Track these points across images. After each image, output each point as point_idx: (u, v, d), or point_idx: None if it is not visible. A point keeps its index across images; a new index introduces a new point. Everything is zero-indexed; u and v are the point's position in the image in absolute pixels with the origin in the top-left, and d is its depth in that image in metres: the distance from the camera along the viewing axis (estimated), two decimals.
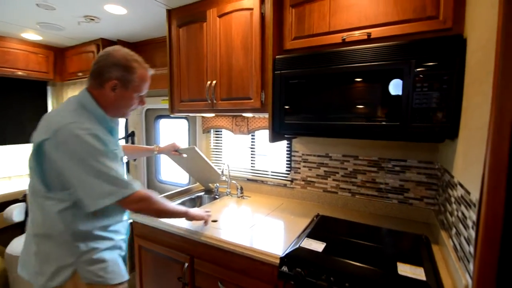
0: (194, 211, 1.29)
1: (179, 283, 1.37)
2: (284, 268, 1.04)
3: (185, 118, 2.32)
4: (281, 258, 1.06)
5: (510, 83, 0.70)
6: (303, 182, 1.79)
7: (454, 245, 0.98)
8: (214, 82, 1.58)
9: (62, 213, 0.94)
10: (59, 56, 2.63)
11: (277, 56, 1.37)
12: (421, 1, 1.09)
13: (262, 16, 1.41)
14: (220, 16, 1.53)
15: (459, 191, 0.96)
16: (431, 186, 1.43)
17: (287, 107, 1.34)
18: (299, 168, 1.80)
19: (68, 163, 0.90)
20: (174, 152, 1.62)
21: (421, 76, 1.05)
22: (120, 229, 1.09)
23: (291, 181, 1.83)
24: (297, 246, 1.09)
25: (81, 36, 2.32)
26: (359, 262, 0.99)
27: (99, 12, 1.79)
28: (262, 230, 1.34)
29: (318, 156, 1.72)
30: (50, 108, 3.02)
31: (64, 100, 2.81)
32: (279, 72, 1.35)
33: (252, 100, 1.47)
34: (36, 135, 0.94)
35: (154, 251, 1.50)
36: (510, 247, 0.72)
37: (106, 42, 2.36)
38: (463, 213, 0.89)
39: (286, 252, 1.07)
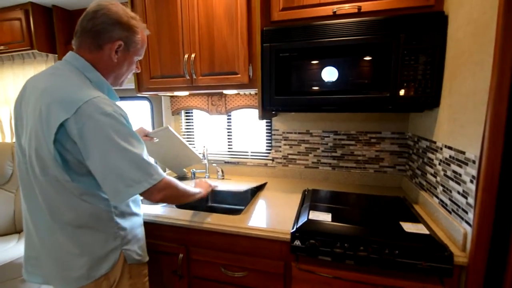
0: (205, 187, 1.20)
1: (174, 277, 1.25)
2: (297, 242, 1.03)
3: (147, 98, 2.08)
4: (292, 233, 1.05)
5: (507, 54, 0.79)
6: (284, 160, 1.80)
7: (441, 201, 1.10)
8: (193, 55, 1.42)
9: (93, 194, 0.86)
10: None
11: (265, 28, 1.30)
12: None
13: None
14: None
15: (446, 153, 1.07)
16: (402, 154, 1.58)
17: (277, 81, 1.30)
18: (280, 147, 1.79)
19: (94, 145, 0.77)
20: (144, 137, 1.41)
21: (409, 50, 1.12)
22: (139, 202, 1.05)
23: (272, 160, 1.82)
24: (306, 219, 1.09)
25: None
26: (366, 226, 1.05)
27: None
28: (258, 209, 1.30)
29: (299, 133, 1.74)
30: None
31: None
32: (268, 44, 1.29)
33: (239, 75, 1.38)
34: (46, 115, 0.77)
35: None
36: (506, 195, 0.84)
37: (37, 8, 1.92)
38: (454, 171, 1.00)
39: (297, 226, 1.06)
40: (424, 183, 1.29)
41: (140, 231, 1.03)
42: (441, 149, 1.12)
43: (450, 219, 1.00)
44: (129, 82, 1.21)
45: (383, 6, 1.18)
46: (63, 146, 0.78)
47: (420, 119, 1.37)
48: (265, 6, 1.32)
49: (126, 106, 2.27)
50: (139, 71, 1.06)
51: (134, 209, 1.00)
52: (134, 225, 0.99)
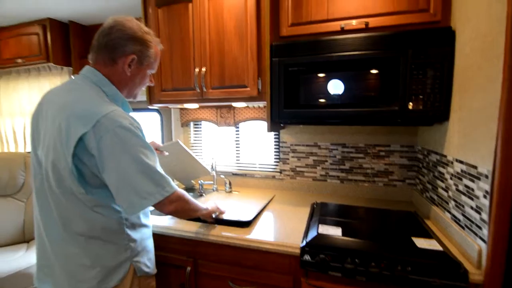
0: (211, 206, 1.20)
1: None
2: (306, 257, 1.02)
3: (157, 110, 2.12)
4: (302, 247, 1.03)
5: None
6: (292, 173, 1.80)
7: (454, 216, 1.08)
8: (203, 69, 1.46)
9: (106, 206, 0.87)
10: None
11: (274, 43, 1.33)
12: None
13: (257, 1, 1.35)
14: None
15: (457, 167, 1.06)
16: (412, 168, 1.57)
17: (286, 95, 1.32)
18: (288, 159, 1.79)
19: (111, 157, 0.79)
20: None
21: (417, 64, 1.13)
22: (149, 213, 1.06)
23: (280, 172, 1.82)
24: (316, 233, 1.08)
25: (22, 15, 1.92)
26: (377, 241, 1.03)
27: None
28: (267, 222, 1.29)
29: (307, 145, 1.75)
30: None
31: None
32: (277, 59, 1.32)
33: (248, 88, 1.40)
34: (66, 129, 0.79)
35: None
36: None
37: (55, 23, 2.00)
38: (467, 186, 0.99)
39: (307, 240, 1.05)
40: (435, 197, 1.27)
41: (150, 243, 1.03)
42: (452, 163, 1.11)
43: (464, 235, 0.98)
44: (141, 95, 1.25)
45: (390, 22, 1.20)
46: (80, 159, 0.80)
47: (430, 133, 1.36)
48: (274, 22, 1.35)
49: (137, 117, 2.31)
50: (153, 85, 1.10)
51: (144, 220, 1.01)
52: (144, 237, 0.99)
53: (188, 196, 0.99)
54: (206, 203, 1.20)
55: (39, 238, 0.93)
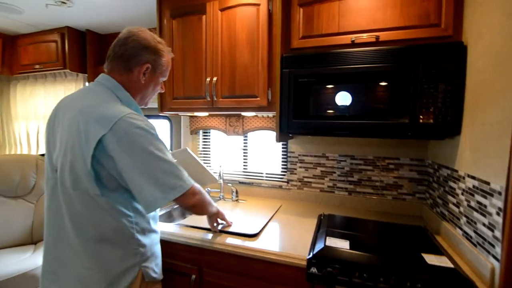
0: (221, 213, 1.24)
1: None
2: (313, 270, 1.00)
3: (167, 118, 2.15)
4: (309, 259, 1.02)
5: None
6: (299, 183, 1.79)
7: (465, 233, 1.06)
8: (215, 78, 1.49)
9: (118, 210, 0.88)
10: (8, 44, 2.24)
11: (285, 54, 1.35)
12: (425, 10, 1.18)
13: (269, 13, 1.38)
14: (222, 10, 1.46)
15: (469, 183, 1.04)
16: (422, 182, 1.54)
17: (296, 105, 1.33)
18: (295, 169, 1.79)
19: (131, 156, 0.82)
20: None
21: (428, 78, 1.13)
22: (157, 219, 1.06)
23: (287, 182, 1.81)
24: (323, 245, 1.06)
25: (42, 23, 2.00)
26: (386, 256, 1.01)
27: None
28: (273, 233, 1.29)
29: (315, 156, 1.74)
30: None
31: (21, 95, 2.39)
32: (287, 70, 1.34)
33: (258, 98, 1.42)
34: (85, 131, 0.82)
35: None
36: None
37: (72, 32, 2.08)
38: (479, 202, 0.97)
39: (314, 252, 1.04)
40: (446, 213, 1.25)
41: (158, 248, 1.04)
42: (463, 178, 1.09)
43: (476, 252, 0.95)
44: (153, 102, 1.28)
45: (401, 36, 1.21)
46: (98, 161, 0.83)
47: (441, 147, 1.35)
48: (285, 34, 1.38)
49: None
50: (163, 91, 1.13)
51: (153, 226, 1.01)
52: (153, 242, 1.00)
53: (205, 191, 1.04)
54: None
55: (48, 244, 0.93)
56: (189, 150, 1.55)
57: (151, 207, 0.86)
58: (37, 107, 2.51)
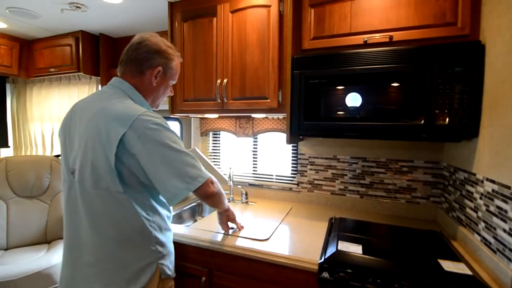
0: (232, 213, 1.27)
1: None
2: (325, 274, 0.98)
3: (177, 119, 2.17)
4: (320, 264, 1.00)
5: None
6: (310, 185, 1.77)
7: (484, 239, 1.02)
8: (225, 80, 1.49)
9: (138, 207, 0.90)
10: (25, 48, 2.31)
11: (296, 55, 1.34)
12: (440, 8, 1.15)
13: (280, 14, 1.37)
14: (233, 12, 1.46)
15: (488, 187, 1.00)
16: (437, 185, 1.50)
17: (306, 107, 1.31)
18: (306, 171, 1.77)
19: (152, 151, 0.85)
20: None
21: (444, 78, 1.10)
22: (171, 217, 1.08)
23: (297, 184, 1.80)
24: (335, 250, 1.04)
25: (58, 27, 2.06)
26: (401, 262, 0.98)
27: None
28: (283, 236, 1.27)
29: (326, 158, 1.72)
30: (9, 108, 2.62)
31: (33, 97, 2.46)
32: (298, 71, 1.32)
33: (268, 100, 1.41)
34: (105, 131, 0.85)
35: None
36: None
37: (86, 35, 2.13)
38: (499, 207, 0.93)
39: (326, 256, 1.02)
40: (463, 217, 1.20)
41: (172, 246, 1.07)
42: (482, 182, 1.06)
43: (495, 259, 0.92)
44: (163, 104, 1.29)
45: (416, 35, 1.18)
46: (119, 159, 0.85)
47: (457, 149, 1.31)
48: (296, 35, 1.37)
49: None
50: (172, 94, 1.17)
51: (169, 224, 1.04)
52: (168, 240, 1.03)
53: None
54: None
55: (66, 247, 0.95)
56: (197, 150, 1.55)
57: (175, 199, 0.89)
58: (51, 109, 2.57)
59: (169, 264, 1.01)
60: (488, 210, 1.00)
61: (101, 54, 2.17)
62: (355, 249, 1.05)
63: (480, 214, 1.06)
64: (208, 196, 0.99)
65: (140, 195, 0.91)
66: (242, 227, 1.32)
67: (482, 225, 1.04)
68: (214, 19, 1.51)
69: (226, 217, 1.26)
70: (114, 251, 0.89)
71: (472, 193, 1.13)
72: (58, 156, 2.24)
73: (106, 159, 0.84)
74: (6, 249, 1.89)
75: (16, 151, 2.77)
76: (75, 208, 0.91)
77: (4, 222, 1.93)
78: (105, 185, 0.86)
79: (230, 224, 1.29)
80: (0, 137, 2.63)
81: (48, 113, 2.59)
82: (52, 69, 2.22)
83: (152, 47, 0.98)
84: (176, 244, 1.25)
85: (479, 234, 1.06)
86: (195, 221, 1.66)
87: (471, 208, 1.14)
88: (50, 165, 2.15)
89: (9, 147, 2.71)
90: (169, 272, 1.00)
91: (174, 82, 1.11)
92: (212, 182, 0.99)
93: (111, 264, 0.88)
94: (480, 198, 1.06)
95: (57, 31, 2.15)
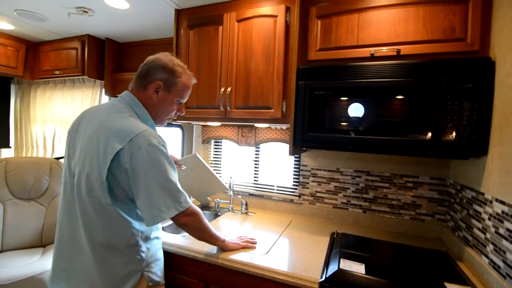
0: (232, 242, 1.19)
1: None
2: None
3: (180, 126, 2.16)
4: (321, 283, 0.96)
5: None
6: (311, 198, 1.73)
7: (492, 262, 0.98)
8: (229, 89, 1.47)
9: (126, 219, 0.93)
10: (31, 50, 2.32)
11: (301, 66, 1.32)
12: (450, 23, 1.13)
13: (287, 25, 1.36)
14: (239, 21, 1.46)
15: (498, 208, 0.97)
16: (442, 203, 1.46)
17: (310, 118, 1.29)
18: (308, 183, 1.74)
19: (139, 172, 0.88)
20: None
21: (452, 94, 1.07)
22: (159, 227, 1.10)
23: (299, 196, 1.76)
24: (337, 268, 1.00)
25: (64, 31, 2.07)
26: (406, 284, 0.94)
27: (97, 4, 1.61)
28: (283, 250, 1.23)
29: (328, 170, 1.69)
30: (12, 109, 2.62)
31: (36, 100, 2.47)
32: (303, 82, 1.31)
33: (272, 110, 1.39)
34: (103, 145, 0.88)
35: None
36: None
37: (92, 39, 2.13)
38: (509, 230, 0.89)
39: (327, 275, 0.98)
40: (470, 238, 1.16)
41: (160, 253, 1.08)
42: (490, 202, 1.02)
43: (505, 285, 0.87)
44: None
45: (424, 50, 1.17)
46: (112, 173, 0.88)
47: (464, 167, 1.27)
48: (302, 45, 1.36)
49: (160, 132, 2.36)
50: (183, 114, 1.18)
51: (156, 233, 1.06)
52: (156, 248, 1.05)
53: (204, 217, 1.04)
54: (225, 235, 1.18)
55: (60, 242, 0.98)
56: (198, 155, 1.53)
57: (150, 223, 0.91)
58: (54, 111, 2.57)
59: (157, 271, 1.02)
60: (497, 232, 0.96)
61: (106, 58, 2.18)
62: (358, 268, 1.01)
63: (488, 235, 1.02)
64: (180, 225, 0.99)
65: (127, 207, 0.94)
66: (253, 239, 1.27)
67: (490, 247, 1.00)
68: (220, 27, 1.51)
69: (228, 247, 1.18)
70: (101, 255, 0.92)
71: (480, 213, 1.09)
72: (58, 158, 2.22)
73: (99, 172, 0.87)
74: (0, 252, 1.86)
75: (17, 152, 2.76)
76: (73, 210, 0.94)
77: (0, 224, 1.90)
78: (96, 195, 0.89)
79: (242, 243, 1.22)
80: (2, 137, 2.62)
81: (51, 115, 2.59)
82: (57, 72, 2.22)
83: (158, 63, 1.01)
84: (172, 255, 1.22)
85: (487, 257, 1.02)
86: None
87: (478, 229, 1.09)
88: (50, 167, 2.13)
89: (10, 147, 2.70)
90: (157, 279, 1.02)
91: (182, 101, 1.10)
92: (186, 215, 0.96)
93: (98, 267, 0.91)
94: (489, 219, 1.02)
95: (64, 34, 2.16)
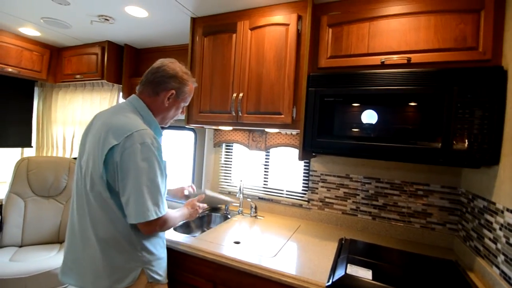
0: (191, 211, 1.24)
1: None
2: None
3: (193, 130, 2.21)
4: (328, 287, 0.97)
5: None
6: (320, 203, 1.74)
7: (503, 273, 0.96)
8: (241, 94, 1.52)
9: (124, 213, 0.96)
10: (55, 55, 2.44)
11: (312, 73, 1.35)
12: (461, 32, 1.14)
13: (298, 33, 1.40)
14: (252, 29, 1.50)
15: (509, 218, 0.96)
16: (454, 212, 1.44)
17: (320, 124, 1.31)
18: (317, 189, 1.75)
19: (127, 168, 0.91)
20: (183, 196, 1.48)
21: (463, 102, 1.08)
22: None
23: (308, 201, 1.77)
24: (344, 273, 1.01)
25: (86, 37, 2.18)
26: None
27: (118, 13, 1.69)
28: (291, 254, 1.25)
29: (338, 176, 1.70)
30: (35, 110, 2.76)
31: (54, 101, 2.61)
32: (313, 89, 1.33)
33: (282, 116, 1.42)
34: (103, 141, 0.94)
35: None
36: None
37: (112, 45, 2.23)
38: None
39: (333, 280, 0.99)
40: (481, 248, 1.15)
41: (162, 252, 1.10)
42: (502, 212, 1.01)
43: None
44: (180, 114, 1.33)
45: (435, 58, 1.17)
46: (108, 167, 0.94)
47: (476, 175, 1.26)
48: (313, 53, 1.39)
49: (174, 135, 2.43)
50: (183, 116, 1.25)
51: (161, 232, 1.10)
52: (158, 246, 1.07)
53: (172, 215, 1.05)
54: (180, 209, 1.19)
55: (71, 235, 1.04)
56: (208, 192, 1.56)
57: (130, 220, 0.93)
58: (74, 113, 2.68)
59: (158, 269, 1.05)
60: (508, 243, 0.95)
61: (124, 63, 2.27)
62: (365, 274, 1.02)
63: (499, 246, 1.01)
64: (148, 234, 1.01)
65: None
66: (204, 206, 1.33)
67: (501, 258, 0.99)
68: (234, 35, 1.56)
69: (190, 218, 1.25)
70: (105, 249, 0.96)
71: (491, 223, 1.08)
72: (76, 158, 2.31)
73: (98, 166, 0.94)
74: (20, 246, 1.95)
75: (38, 152, 2.89)
76: (83, 206, 1.00)
77: (21, 220, 1.99)
78: (98, 189, 0.96)
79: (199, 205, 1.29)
80: (25, 137, 2.76)
81: (71, 117, 2.71)
82: (78, 76, 2.33)
83: (169, 72, 1.08)
84: (182, 254, 1.26)
85: (498, 267, 1.00)
86: (203, 231, 1.66)
87: (490, 239, 1.08)
88: (68, 167, 2.22)
89: (32, 147, 2.84)
90: (157, 277, 1.04)
91: (186, 104, 1.19)
92: (161, 224, 0.98)
93: (103, 260, 0.96)
94: (500, 229, 1.01)
95: (86, 40, 2.27)
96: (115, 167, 0.93)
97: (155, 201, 0.94)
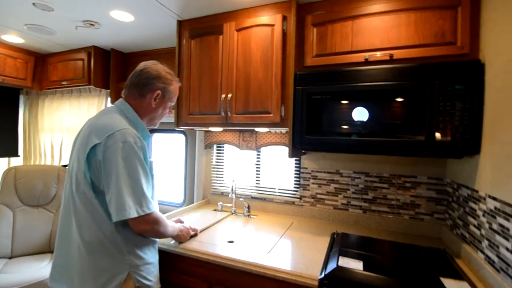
0: (183, 232, 1.28)
1: None
2: None
3: (183, 132, 2.21)
4: (320, 280, 1.00)
5: None
6: (312, 199, 1.77)
7: (487, 257, 1.00)
8: (229, 95, 1.53)
9: (109, 214, 0.95)
10: (40, 62, 2.40)
11: (298, 72, 1.38)
12: (440, 28, 1.18)
13: (284, 33, 1.42)
14: (238, 30, 1.52)
15: (490, 204, 1.00)
16: (441, 202, 1.49)
17: (308, 122, 1.34)
18: (308, 185, 1.78)
19: (110, 166, 0.92)
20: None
21: (444, 96, 1.12)
22: None
23: (300, 198, 1.80)
24: (335, 266, 1.04)
25: (72, 43, 2.15)
26: (402, 279, 0.97)
27: (102, 18, 1.68)
28: (284, 250, 1.27)
29: (328, 172, 1.73)
30: (21, 119, 2.71)
31: (38, 110, 2.56)
32: (301, 87, 1.36)
33: (271, 115, 1.44)
34: (86, 140, 0.97)
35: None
36: None
37: (98, 50, 2.21)
38: (501, 225, 0.92)
39: (326, 272, 1.01)
40: (467, 235, 1.19)
41: (152, 257, 1.08)
42: (484, 199, 1.05)
43: (499, 279, 0.90)
44: (169, 117, 1.34)
45: (416, 54, 1.21)
46: (91, 166, 0.95)
47: (459, 165, 1.31)
48: (299, 52, 1.42)
49: (165, 138, 2.43)
50: (171, 115, 1.28)
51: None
52: (146, 251, 1.06)
53: (164, 221, 1.07)
54: (175, 226, 1.22)
55: (60, 240, 1.04)
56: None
57: (114, 218, 0.93)
58: (62, 120, 2.64)
59: (146, 274, 1.03)
60: (491, 228, 0.99)
61: (111, 68, 2.26)
62: (356, 265, 1.04)
63: (483, 231, 1.05)
64: (139, 232, 1.00)
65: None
66: (196, 230, 1.38)
67: (485, 243, 1.03)
68: (220, 37, 1.57)
69: (179, 238, 1.27)
70: (91, 252, 0.96)
71: (475, 210, 1.12)
72: (66, 166, 2.28)
73: (81, 165, 0.95)
74: (10, 258, 1.91)
75: (26, 161, 2.83)
76: (69, 208, 1.01)
77: (10, 231, 1.95)
78: (82, 189, 0.96)
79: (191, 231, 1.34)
80: (11, 146, 2.70)
81: (58, 124, 2.66)
82: (64, 82, 2.30)
83: (152, 73, 1.09)
84: (176, 256, 1.26)
85: (482, 252, 1.05)
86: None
87: (474, 226, 1.12)
88: (57, 174, 2.19)
89: (18, 156, 2.78)
90: (146, 282, 1.02)
91: (172, 104, 1.21)
92: (147, 222, 0.97)
93: (89, 263, 0.96)
94: (483, 216, 1.05)
95: (71, 46, 2.24)
96: (98, 165, 0.94)
97: (137, 199, 0.93)
